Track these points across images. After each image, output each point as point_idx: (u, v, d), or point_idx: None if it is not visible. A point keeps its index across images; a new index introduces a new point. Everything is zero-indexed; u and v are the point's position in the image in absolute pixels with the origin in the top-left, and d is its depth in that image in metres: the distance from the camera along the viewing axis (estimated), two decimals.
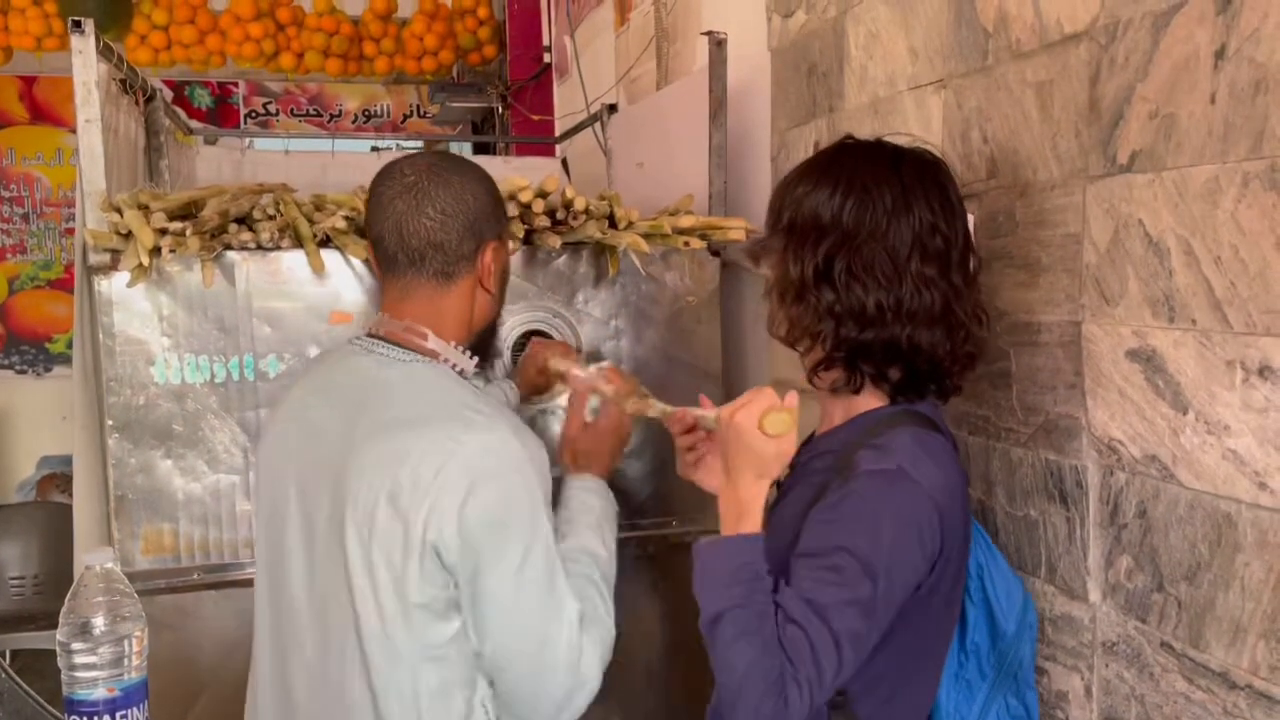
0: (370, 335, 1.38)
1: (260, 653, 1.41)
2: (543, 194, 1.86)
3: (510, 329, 1.89)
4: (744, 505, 1.16)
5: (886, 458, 1.13)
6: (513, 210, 1.82)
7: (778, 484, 1.32)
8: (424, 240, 1.33)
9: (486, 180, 1.40)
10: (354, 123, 5.78)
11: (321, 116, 5.77)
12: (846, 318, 1.17)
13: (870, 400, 1.23)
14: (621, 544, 1.98)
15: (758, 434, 1.13)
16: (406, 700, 1.27)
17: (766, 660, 1.07)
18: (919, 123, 1.60)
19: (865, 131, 1.75)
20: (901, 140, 1.26)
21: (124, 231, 1.69)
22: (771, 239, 1.26)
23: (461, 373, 1.37)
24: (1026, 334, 1.37)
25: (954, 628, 1.25)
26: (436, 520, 1.22)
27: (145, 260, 1.66)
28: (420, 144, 5.48)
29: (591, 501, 1.45)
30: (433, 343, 1.35)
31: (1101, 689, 1.26)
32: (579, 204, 1.87)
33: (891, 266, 1.16)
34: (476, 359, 1.41)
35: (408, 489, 1.23)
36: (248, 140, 3.88)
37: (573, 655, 1.26)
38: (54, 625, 1.10)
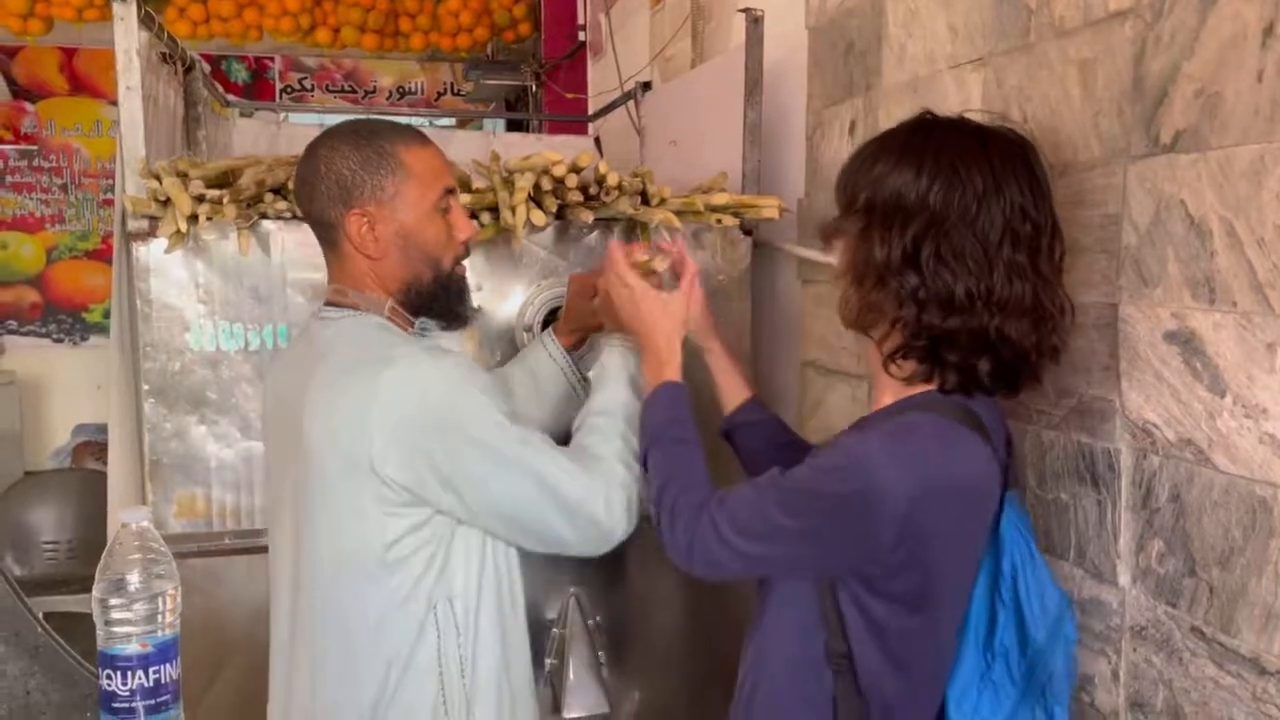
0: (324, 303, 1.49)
1: (273, 609, 1.54)
2: (576, 169, 1.86)
3: (540, 305, 1.90)
4: (659, 364, 1.39)
5: (865, 440, 1.13)
6: (546, 185, 1.82)
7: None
8: (303, 211, 1.46)
9: (354, 148, 1.40)
10: (388, 99, 5.80)
11: (356, 93, 5.80)
12: (930, 304, 1.12)
13: (926, 386, 1.19)
14: (645, 521, 2.00)
15: (649, 294, 1.40)
16: (363, 625, 1.38)
17: (681, 489, 1.26)
18: (958, 101, 1.58)
19: (904, 111, 1.74)
20: (982, 117, 1.21)
21: (162, 198, 1.71)
22: (846, 219, 1.21)
23: (397, 321, 1.44)
24: None
25: (949, 628, 1.19)
26: (381, 451, 1.31)
27: (183, 227, 1.68)
28: (453, 121, 5.51)
29: (618, 359, 1.53)
30: (353, 297, 1.43)
31: (1129, 673, 1.25)
32: (612, 179, 1.87)
33: (982, 253, 1.11)
34: (421, 318, 1.47)
35: (346, 432, 1.33)
36: (283, 114, 3.91)
37: (579, 495, 1.36)
38: (87, 589, 1.13)
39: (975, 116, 1.22)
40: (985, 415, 1.18)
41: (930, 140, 1.16)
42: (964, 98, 1.57)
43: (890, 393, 1.22)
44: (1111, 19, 1.26)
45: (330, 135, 1.42)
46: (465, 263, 1.52)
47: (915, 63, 1.71)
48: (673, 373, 1.38)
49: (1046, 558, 1.37)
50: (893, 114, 1.78)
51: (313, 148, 1.42)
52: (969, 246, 1.11)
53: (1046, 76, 1.38)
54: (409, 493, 1.33)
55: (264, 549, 1.82)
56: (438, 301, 1.48)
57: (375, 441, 1.31)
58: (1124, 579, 1.26)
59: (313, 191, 1.40)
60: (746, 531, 1.17)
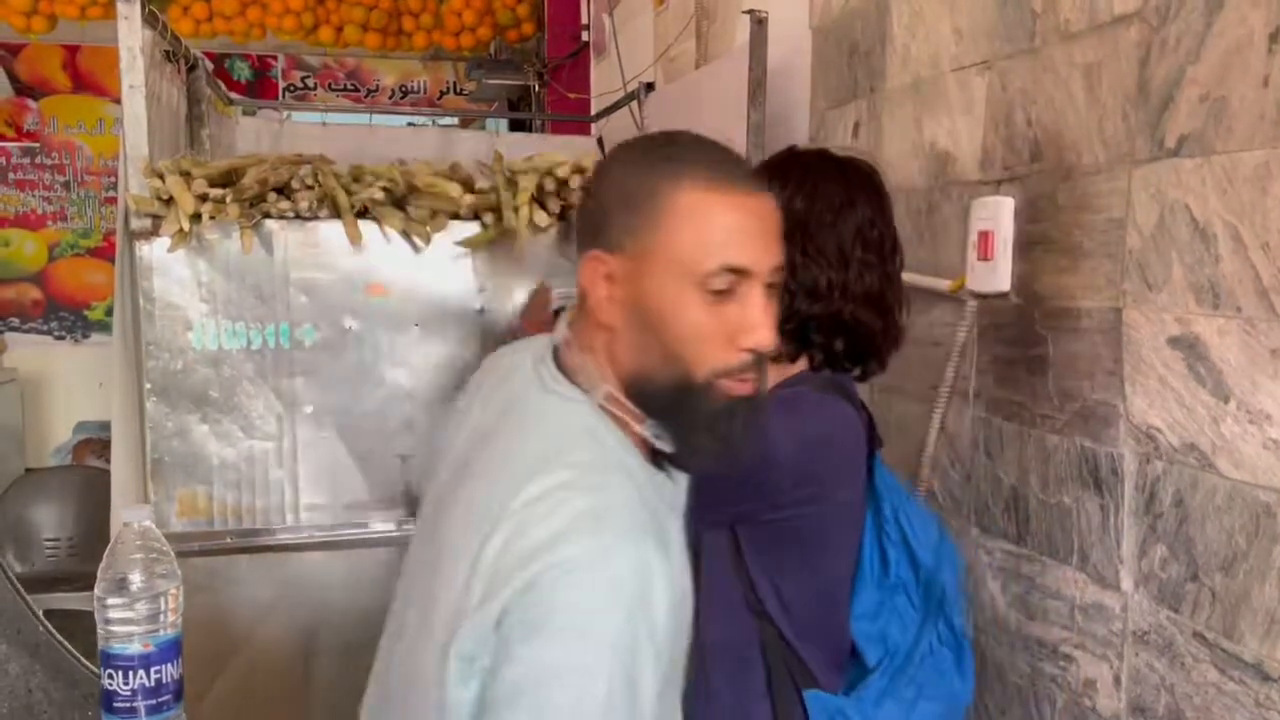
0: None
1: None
2: (580, 170, 1.86)
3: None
4: None
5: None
6: (550, 185, 1.82)
7: None
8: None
9: (628, 171, 1.00)
10: (390, 98, 5.80)
11: (358, 91, 5.80)
12: (799, 293, 1.31)
13: (797, 367, 1.38)
14: None
15: None
16: None
17: None
18: (962, 104, 1.58)
19: (908, 113, 1.74)
20: (840, 152, 1.41)
21: (165, 197, 1.70)
22: None
23: (615, 414, 1.00)
24: (1065, 319, 1.35)
25: (833, 574, 1.37)
26: (461, 624, 0.92)
27: (186, 226, 1.68)
28: (455, 120, 5.51)
29: None
30: (575, 360, 1.02)
31: (1131, 678, 1.25)
32: None
33: (839, 252, 1.31)
34: (651, 429, 0.99)
35: (464, 534, 0.96)
36: (285, 113, 3.91)
37: None
38: (87, 587, 1.12)
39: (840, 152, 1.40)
40: (849, 388, 1.39)
41: (797, 164, 1.37)
42: (968, 100, 1.56)
43: (772, 375, 1.38)
44: (1117, 23, 1.26)
45: (622, 146, 1.06)
46: (743, 382, 0.98)
47: (919, 65, 1.71)
48: None
49: (1048, 561, 1.38)
50: (896, 116, 1.78)
51: (605, 159, 1.07)
52: (829, 246, 1.32)
53: (1051, 80, 1.38)
54: (464, 661, 0.92)
55: (266, 548, 1.83)
56: (672, 418, 0.99)
57: (458, 610, 0.93)
58: (1126, 584, 1.26)
59: (579, 215, 1.06)
60: None
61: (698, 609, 1.42)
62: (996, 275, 1.46)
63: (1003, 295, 1.47)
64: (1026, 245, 1.43)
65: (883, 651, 1.37)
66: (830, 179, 1.34)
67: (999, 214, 1.46)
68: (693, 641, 1.41)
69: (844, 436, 1.34)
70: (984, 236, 1.48)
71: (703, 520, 1.36)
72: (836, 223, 1.31)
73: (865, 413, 1.41)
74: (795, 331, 1.33)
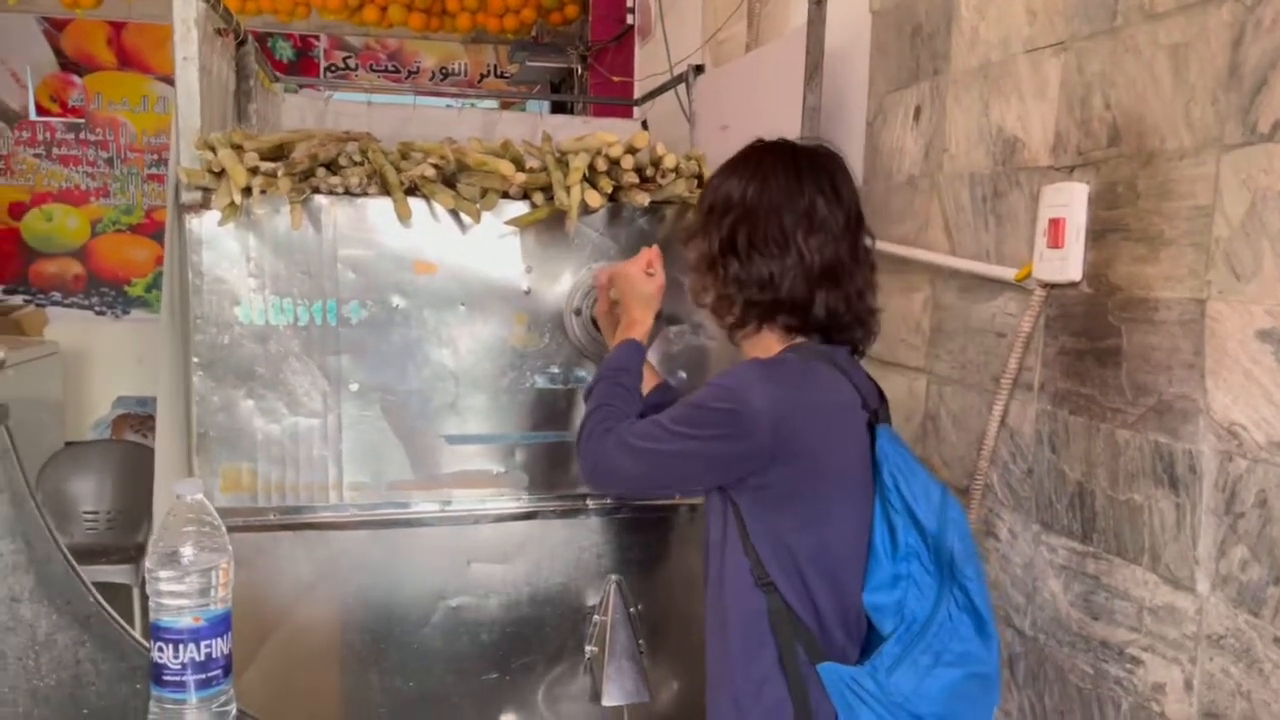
0: None
1: None
2: (632, 150, 1.82)
3: (590, 288, 1.86)
4: (632, 323, 1.63)
5: (741, 370, 1.38)
6: (601, 166, 1.79)
7: None
8: None
9: None
10: (431, 80, 5.79)
11: (400, 73, 5.79)
12: (750, 283, 1.41)
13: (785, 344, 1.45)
14: (672, 509, 1.98)
15: (642, 276, 1.63)
16: None
17: (605, 416, 1.50)
18: (1034, 87, 1.53)
19: (974, 96, 1.69)
20: (803, 142, 1.49)
21: (217, 170, 1.69)
22: (696, 221, 1.51)
23: None
24: (1141, 310, 1.30)
25: (831, 530, 1.40)
26: None
27: (237, 199, 1.66)
28: (496, 104, 5.48)
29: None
30: None
31: (1204, 682, 1.21)
32: (668, 162, 1.83)
33: (781, 238, 1.38)
34: None
35: None
36: (327, 93, 3.90)
37: None
38: (125, 560, 1.11)
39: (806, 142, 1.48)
40: (847, 366, 1.45)
41: (754, 156, 1.46)
42: (1041, 83, 1.51)
43: (762, 350, 1.47)
44: (1207, 3, 1.21)
45: None
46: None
47: (988, 47, 1.66)
48: (638, 333, 1.62)
49: (1116, 560, 1.34)
50: (962, 99, 1.73)
51: None
52: (774, 234, 1.39)
53: (1133, 62, 1.33)
54: None
55: (309, 525, 1.82)
56: None
57: None
58: (1202, 586, 1.21)
59: None
60: (643, 436, 1.43)
61: (721, 587, 1.44)
62: (1067, 264, 1.42)
63: (1073, 284, 1.42)
64: (1100, 233, 1.38)
65: (898, 621, 1.40)
66: (781, 167, 1.42)
67: (1072, 200, 1.41)
68: (718, 619, 1.41)
69: (826, 398, 1.39)
70: (1055, 224, 1.43)
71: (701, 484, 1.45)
72: (782, 209, 1.40)
73: (871, 383, 1.48)
74: (760, 316, 1.43)
